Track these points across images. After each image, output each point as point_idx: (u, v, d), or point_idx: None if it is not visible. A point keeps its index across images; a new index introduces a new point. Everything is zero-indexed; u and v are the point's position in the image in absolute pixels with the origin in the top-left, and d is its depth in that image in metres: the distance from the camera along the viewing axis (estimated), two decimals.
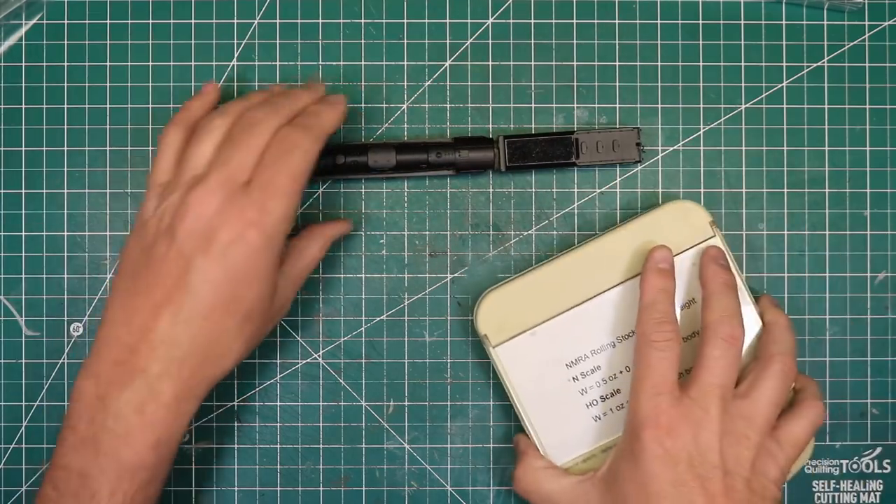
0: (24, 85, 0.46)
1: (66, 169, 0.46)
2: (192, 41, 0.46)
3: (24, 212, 0.46)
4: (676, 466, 0.38)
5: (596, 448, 0.42)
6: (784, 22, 0.46)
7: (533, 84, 0.46)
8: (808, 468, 0.46)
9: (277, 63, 0.46)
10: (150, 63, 0.46)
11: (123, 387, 0.36)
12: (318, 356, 0.46)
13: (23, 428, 0.46)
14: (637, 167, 0.46)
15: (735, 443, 0.38)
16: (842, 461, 0.46)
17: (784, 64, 0.46)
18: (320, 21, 0.46)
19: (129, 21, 0.46)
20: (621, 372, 0.42)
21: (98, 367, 0.37)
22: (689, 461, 0.38)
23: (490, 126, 0.46)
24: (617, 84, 0.46)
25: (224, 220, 0.36)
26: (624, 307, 0.42)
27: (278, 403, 0.46)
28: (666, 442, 0.38)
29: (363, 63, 0.46)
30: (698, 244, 0.42)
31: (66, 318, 0.46)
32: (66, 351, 0.46)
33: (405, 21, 0.46)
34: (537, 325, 0.42)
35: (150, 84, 0.46)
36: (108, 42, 0.46)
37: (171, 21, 0.46)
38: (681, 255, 0.42)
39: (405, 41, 0.46)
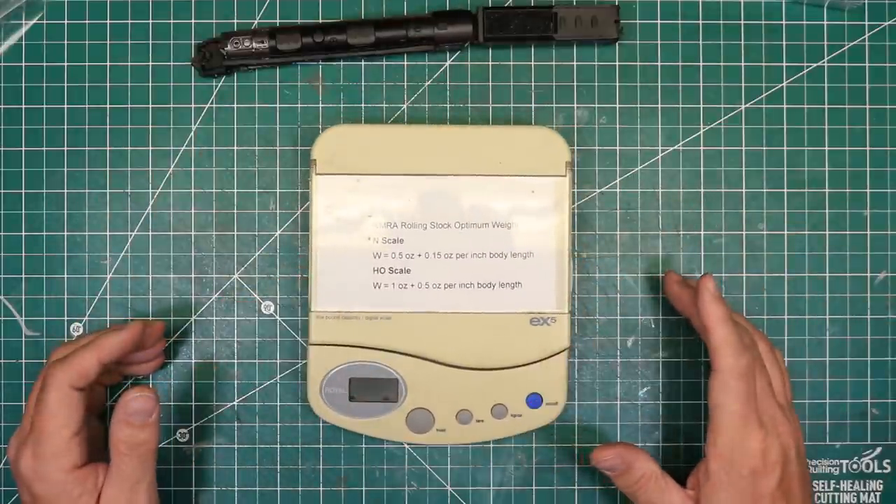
0: (24, 85, 0.46)
1: (65, 169, 0.46)
2: (192, 41, 0.46)
3: (24, 212, 0.46)
4: None
5: (361, 313, 0.43)
6: (784, 22, 0.46)
7: (533, 84, 0.46)
8: (808, 468, 0.46)
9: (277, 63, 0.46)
10: (150, 63, 0.46)
11: None
12: None
13: None
14: (637, 167, 0.46)
15: None
16: (842, 461, 0.46)
17: (784, 64, 0.46)
18: (320, 21, 0.46)
19: (129, 21, 0.46)
20: (420, 255, 0.43)
21: None
22: None
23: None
24: (617, 84, 0.46)
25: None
26: (451, 198, 0.43)
27: (278, 403, 0.46)
28: None
29: (363, 63, 0.46)
30: (548, 176, 0.43)
31: (66, 318, 0.46)
32: None
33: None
34: (367, 174, 0.43)
35: (150, 84, 0.46)
36: (108, 42, 0.46)
37: (171, 21, 0.46)
38: (524, 178, 0.43)
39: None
